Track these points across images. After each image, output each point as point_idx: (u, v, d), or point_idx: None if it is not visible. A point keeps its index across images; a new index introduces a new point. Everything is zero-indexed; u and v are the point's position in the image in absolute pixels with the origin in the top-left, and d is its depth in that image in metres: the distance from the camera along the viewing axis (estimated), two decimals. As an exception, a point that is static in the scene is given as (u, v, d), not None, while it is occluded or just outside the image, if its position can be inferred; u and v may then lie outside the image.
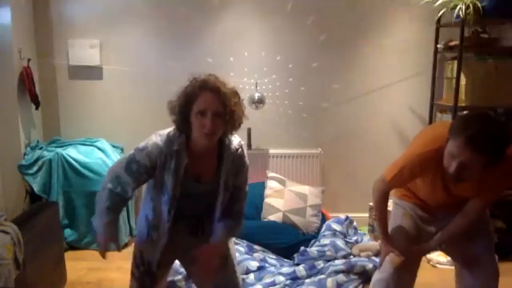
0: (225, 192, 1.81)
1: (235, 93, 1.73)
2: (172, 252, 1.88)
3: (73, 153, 3.34)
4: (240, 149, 1.82)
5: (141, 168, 1.74)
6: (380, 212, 2.00)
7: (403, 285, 1.99)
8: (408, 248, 1.95)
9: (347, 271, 2.78)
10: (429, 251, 2.04)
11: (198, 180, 1.79)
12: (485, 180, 1.75)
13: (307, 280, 2.74)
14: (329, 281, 2.68)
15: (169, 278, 2.62)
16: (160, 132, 1.78)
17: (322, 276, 2.75)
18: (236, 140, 1.83)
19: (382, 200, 1.97)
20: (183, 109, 1.69)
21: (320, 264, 2.88)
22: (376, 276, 2.03)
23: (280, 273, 2.78)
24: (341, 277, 2.73)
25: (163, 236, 1.80)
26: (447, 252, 2.13)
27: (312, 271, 2.82)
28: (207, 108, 1.65)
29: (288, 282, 2.70)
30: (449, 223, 1.93)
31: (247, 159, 1.86)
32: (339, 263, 2.85)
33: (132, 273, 1.91)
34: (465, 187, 1.80)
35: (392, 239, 1.99)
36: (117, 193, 1.75)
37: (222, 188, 1.80)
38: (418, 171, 1.84)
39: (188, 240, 1.87)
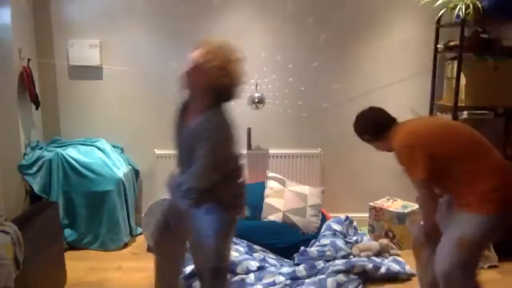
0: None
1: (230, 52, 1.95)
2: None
3: (73, 153, 3.34)
4: (208, 121, 1.84)
5: None
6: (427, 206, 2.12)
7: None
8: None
9: (347, 271, 2.79)
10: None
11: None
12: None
13: (307, 280, 2.74)
14: (329, 281, 2.68)
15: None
16: None
17: (322, 276, 2.75)
18: (218, 115, 1.88)
19: (428, 197, 2.10)
20: None
21: (320, 264, 2.88)
22: None
23: (280, 273, 2.78)
24: (341, 277, 2.73)
25: None
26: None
27: (312, 271, 2.82)
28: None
29: (288, 282, 2.70)
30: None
31: (211, 135, 1.83)
32: (339, 263, 2.85)
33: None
34: None
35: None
36: None
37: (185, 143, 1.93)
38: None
39: None
